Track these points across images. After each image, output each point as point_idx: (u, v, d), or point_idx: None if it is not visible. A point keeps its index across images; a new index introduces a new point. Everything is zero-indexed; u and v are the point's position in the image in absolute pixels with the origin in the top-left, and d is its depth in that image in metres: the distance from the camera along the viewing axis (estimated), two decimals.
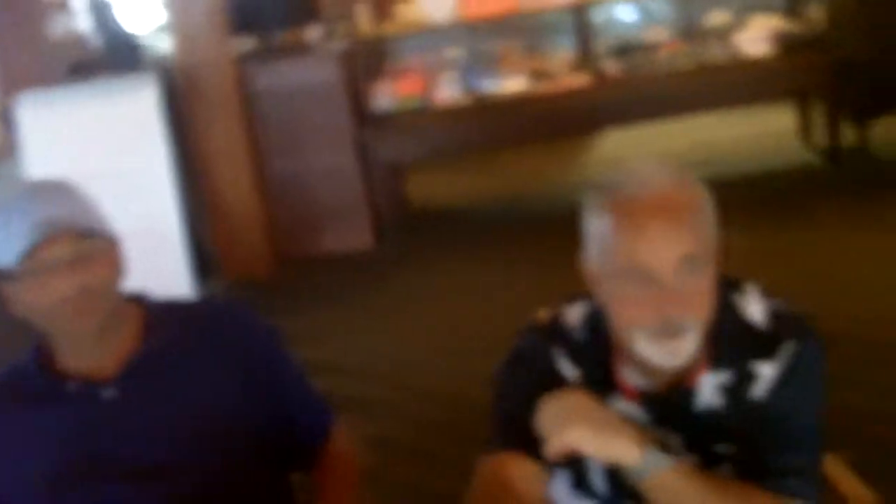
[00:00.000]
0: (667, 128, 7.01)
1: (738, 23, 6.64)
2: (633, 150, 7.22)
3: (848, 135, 6.54)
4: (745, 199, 5.85)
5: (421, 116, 6.52)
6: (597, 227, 1.76)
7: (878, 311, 4.37)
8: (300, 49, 6.54)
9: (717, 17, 6.76)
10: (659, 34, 6.77)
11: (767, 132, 7.26)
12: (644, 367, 1.79)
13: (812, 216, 5.69)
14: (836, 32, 6.31)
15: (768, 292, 1.87)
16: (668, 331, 1.70)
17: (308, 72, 6.37)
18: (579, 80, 6.44)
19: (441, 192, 7.43)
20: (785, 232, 5.50)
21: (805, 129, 6.95)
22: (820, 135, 6.70)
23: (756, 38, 6.47)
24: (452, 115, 6.50)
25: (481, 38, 6.91)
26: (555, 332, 1.92)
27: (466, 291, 5.44)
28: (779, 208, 5.89)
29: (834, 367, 3.49)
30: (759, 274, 4.59)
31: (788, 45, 6.41)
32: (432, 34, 6.81)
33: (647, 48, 6.61)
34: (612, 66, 6.50)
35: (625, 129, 7.02)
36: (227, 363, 2.07)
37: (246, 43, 6.54)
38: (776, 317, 1.83)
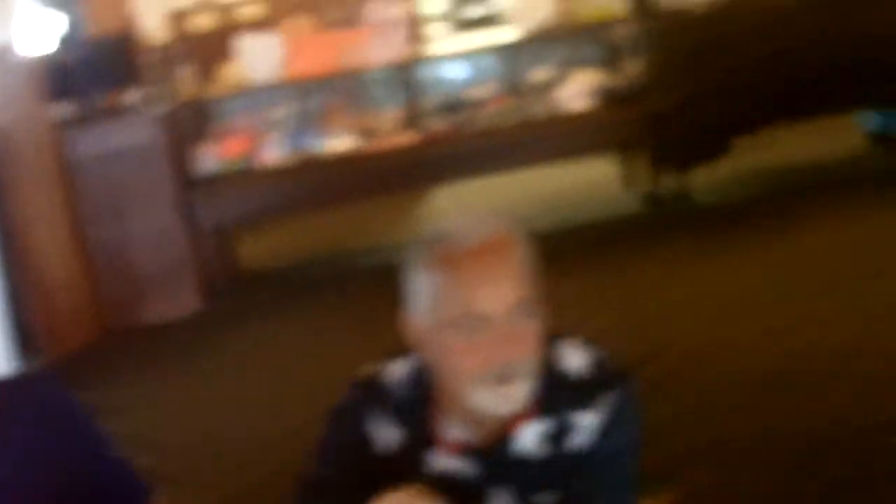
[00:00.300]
0: (496, 182, 7.08)
1: (561, 78, 6.78)
2: (463, 204, 7.27)
3: (670, 182, 6.72)
4: (573, 248, 5.95)
5: (246, 177, 6.46)
6: (426, 281, 1.77)
7: (698, 346, 4.47)
8: (120, 113, 6.39)
9: (541, 74, 6.89)
10: (485, 91, 6.87)
11: (593, 183, 7.43)
12: (473, 419, 1.80)
13: (636, 262, 5.80)
14: (654, 85, 6.50)
15: (590, 343, 1.91)
16: (505, 376, 1.73)
17: (129, 135, 6.23)
18: (407, 138, 6.48)
19: (274, 252, 7.35)
20: (612, 278, 5.60)
21: (629, 179, 7.12)
22: (643, 183, 6.87)
23: (578, 92, 6.62)
24: (279, 175, 6.45)
25: (308, 97, 6.88)
26: (373, 391, 1.91)
27: (296, 353, 5.36)
28: (605, 256, 6.00)
29: (663, 407, 3.53)
30: (590, 319, 4.67)
31: (609, 99, 6.58)
32: (258, 94, 6.77)
33: (474, 105, 6.70)
34: (438, 123, 6.56)
35: (454, 184, 7.07)
36: (39, 441, 1.96)
37: (65, 108, 6.36)
38: (597, 367, 1.86)
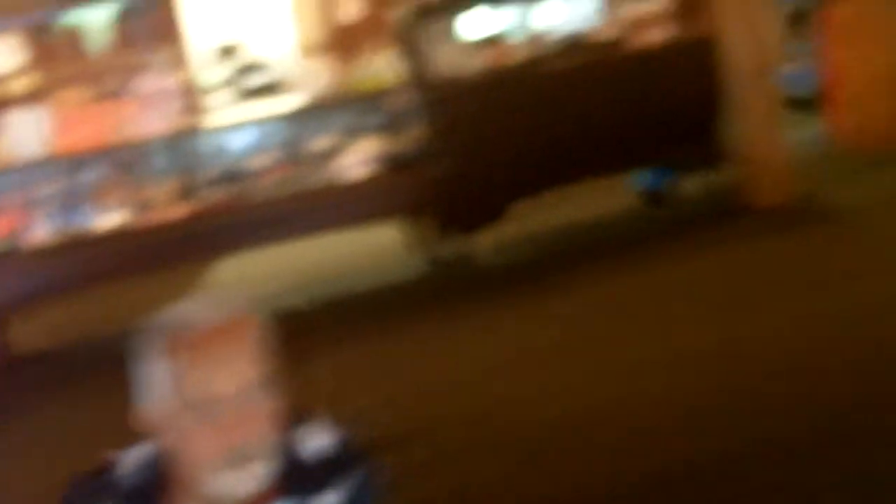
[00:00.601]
0: (281, 251, 6.99)
1: (343, 146, 6.77)
2: (245, 275, 7.16)
3: (454, 246, 6.78)
4: (356, 316, 5.91)
5: (13, 258, 6.18)
6: (160, 367, 1.73)
7: (477, 410, 4.46)
8: None
9: (322, 142, 6.87)
10: (265, 160, 6.79)
11: (378, 249, 7.43)
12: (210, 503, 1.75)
13: (420, 327, 5.79)
14: (435, 151, 6.56)
15: (336, 422, 1.91)
16: (242, 457, 1.70)
17: None
18: (182, 210, 6.32)
19: (47, 334, 7.05)
20: (394, 345, 5.56)
21: (413, 244, 7.15)
22: (427, 248, 6.92)
23: (359, 160, 6.62)
24: (48, 254, 6.20)
25: (79, 172, 6.64)
26: (102, 482, 1.85)
27: (72, 437, 5.12)
28: (389, 322, 5.97)
29: (445, 476, 3.47)
30: (370, 388, 4.60)
31: (391, 166, 6.61)
32: (26, 171, 6.50)
33: (253, 175, 6.61)
34: (216, 194, 6.43)
35: (235, 256, 6.94)
36: None
37: None
38: (340, 447, 1.86)
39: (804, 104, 9.25)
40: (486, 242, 6.92)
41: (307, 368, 5.30)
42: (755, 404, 3.99)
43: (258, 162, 6.77)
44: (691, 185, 7.49)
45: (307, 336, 5.78)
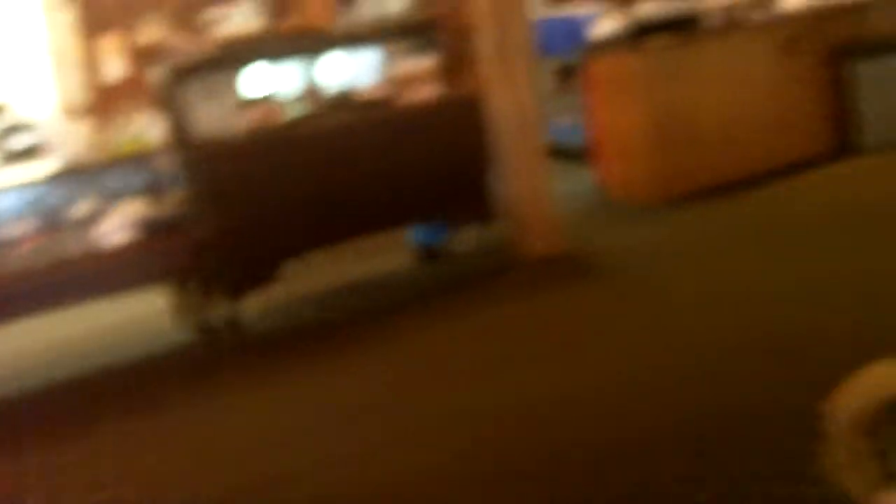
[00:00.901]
0: (33, 324, 6.65)
1: (104, 211, 6.54)
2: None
3: (221, 311, 6.61)
4: (121, 388, 5.68)
5: None
6: None
7: (246, 482, 4.33)
8: None
9: (82, 207, 6.62)
10: (20, 228, 6.49)
11: (144, 316, 7.20)
12: None
13: (190, 395, 5.60)
14: (200, 214, 6.40)
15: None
16: None
17: None
18: None
19: None
20: (164, 416, 5.35)
21: (181, 309, 6.94)
22: (194, 314, 6.72)
23: (120, 225, 6.40)
24: None
25: None
26: None
27: None
28: (156, 392, 5.74)
29: None
30: (143, 461, 4.37)
31: (153, 230, 6.41)
32: None
33: (7, 244, 6.30)
34: None
35: None
36: None
37: None
38: None
39: (575, 156, 9.48)
40: (256, 306, 6.77)
41: (62, 447, 5.06)
42: (544, 462, 3.97)
43: (14, 229, 6.47)
44: (465, 239, 7.54)
45: (67, 411, 5.53)
